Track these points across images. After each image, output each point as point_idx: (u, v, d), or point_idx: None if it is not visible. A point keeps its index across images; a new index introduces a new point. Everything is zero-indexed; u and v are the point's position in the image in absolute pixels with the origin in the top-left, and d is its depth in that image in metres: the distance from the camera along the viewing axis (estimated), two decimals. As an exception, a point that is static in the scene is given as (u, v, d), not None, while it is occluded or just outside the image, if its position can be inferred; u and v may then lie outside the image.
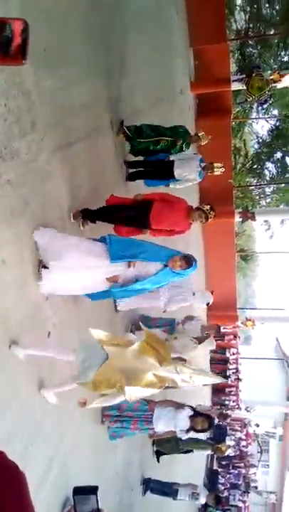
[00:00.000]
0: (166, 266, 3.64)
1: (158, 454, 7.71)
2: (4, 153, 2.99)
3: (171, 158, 6.01)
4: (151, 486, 7.22)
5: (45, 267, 3.34)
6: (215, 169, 6.18)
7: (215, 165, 6.19)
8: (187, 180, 6.12)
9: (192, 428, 4.93)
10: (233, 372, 18.21)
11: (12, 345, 3.02)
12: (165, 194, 5.03)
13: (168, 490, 7.47)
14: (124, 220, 4.67)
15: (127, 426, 5.01)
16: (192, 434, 5.21)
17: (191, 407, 5.10)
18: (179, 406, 5.09)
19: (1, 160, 2.95)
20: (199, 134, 6.22)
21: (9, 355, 3.04)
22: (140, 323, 3.99)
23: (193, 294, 5.65)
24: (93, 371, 3.07)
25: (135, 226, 4.78)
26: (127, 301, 5.30)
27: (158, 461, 7.67)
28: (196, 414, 4.99)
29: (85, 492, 1.07)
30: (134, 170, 6.24)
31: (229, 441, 16.07)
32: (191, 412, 4.98)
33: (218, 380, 3.85)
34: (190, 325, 6.10)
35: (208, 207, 4.71)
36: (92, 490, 1.07)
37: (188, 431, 4.98)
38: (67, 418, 4.14)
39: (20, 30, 0.84)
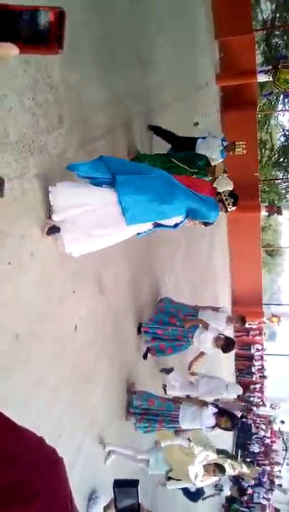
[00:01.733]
0: (186, 218, 3.50)
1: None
2: (32, 147, 3.00)
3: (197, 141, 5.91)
4: None
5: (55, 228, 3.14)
6: (236, 148, 6.01)
7: (236, 143, 6.01)
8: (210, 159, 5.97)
9: (217, 425, 4.91)
10: (258, 369, 18.05)
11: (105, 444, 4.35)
12: (186, 177, 4.81)
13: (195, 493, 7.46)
14: None
15: (153, 425, 5.02)
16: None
17: (215, 405, 5.06)
18: (203, 404, 5.08)
19: (29, 154, 2.96)
20: (218, 174, 5.36)
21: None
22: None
23: (227, 388, 6.05)
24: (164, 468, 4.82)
25: None
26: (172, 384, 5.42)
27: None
28: (221, 412, 4.96)
29: (125, 485, 1.05)
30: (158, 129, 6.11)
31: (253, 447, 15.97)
32: (215, 410, 4.94)
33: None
34: (215, 317, 6.00)
35: (230, 200, 4.46)
36: (134, 483, 1.05)
37: (213, 428, 4.96)
38: (90, 415, 4.16)
39: (56, 18, 0.82)
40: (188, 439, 5.09)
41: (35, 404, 3.08)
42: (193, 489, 7.32)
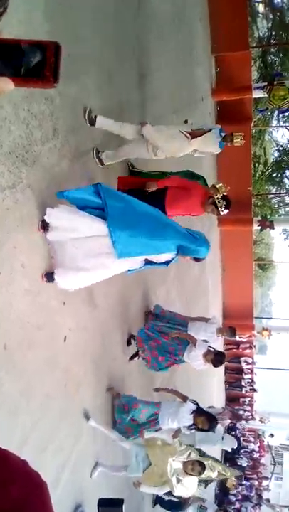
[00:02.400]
0: (176, 255, 3.54)
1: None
2: (26, 157, 3.01)
3: (189, 122, 5.81)
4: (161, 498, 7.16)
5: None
6: (235, 140, 5.96)
7: (235, 135, 5.98)
8: (207, 151, 5.85)
9: (194, 425, 4.79)
10: (247, 383, 18.01)
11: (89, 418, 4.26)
12: (180, 179, 4.83)
13: (177, 503, 7.37)
14: None
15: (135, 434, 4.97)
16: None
17: (195, 402, 4.91)
18: (184, 399, 4.97)
19: (22, 164, 2.97)
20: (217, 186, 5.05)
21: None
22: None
23: (222, 439, 6.40)
24: (142, 469, 4.54)
25: None
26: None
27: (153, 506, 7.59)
28: (199, 411, 4.81)
29: (110, 505, 1.06)
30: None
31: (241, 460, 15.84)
32: (194, 407, 4.81)
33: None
34: (204, 328, 5.98)
35: (223, 202, 4.43)
36: (118, 503, 1.05)
37: (190, 427, 4.84)
38: (77, 425, 4.13)
39: (52, 53, 0.84)
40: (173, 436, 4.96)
41: (23, 415, 3.06)
42: (172, 497, 7.26)
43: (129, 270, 3.51)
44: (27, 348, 3.09)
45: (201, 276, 11.65)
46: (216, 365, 5.56)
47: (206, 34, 12.01)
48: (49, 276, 3.26)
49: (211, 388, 14.10)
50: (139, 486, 4.62)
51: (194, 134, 4.74)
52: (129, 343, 5.68)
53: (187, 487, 4.61)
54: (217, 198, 4.44)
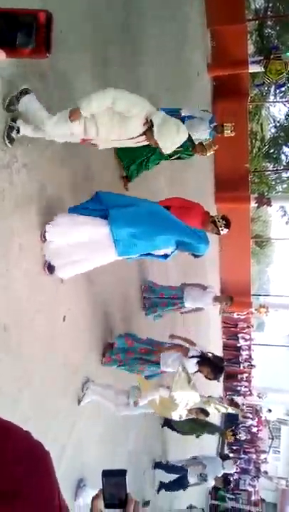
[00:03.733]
0: (175, 249, 3.57)
1: (166, 425, 7.73)
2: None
3: (182, 114, 5.79)
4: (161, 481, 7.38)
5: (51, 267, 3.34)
6: (225, 130, 5.96)
7: (225, 125, 5.95)
8: (198, 140, 5.83)
9: (199, 371, 4.74)
10: (245, 359, 18.23)
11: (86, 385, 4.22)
12: (181, 199, 4.99)
13: (178, 472, 7.54)
14: None
15: (134, 366, 4.91)
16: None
17: (198, 356, 4.76)
18: (186, 353, 4.83)
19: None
20: (205, 144, 5.31)
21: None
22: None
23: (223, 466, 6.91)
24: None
25: None
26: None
27: (162, 427, 7.68)
28: (204, 360, 4.71)
29: (113, 475, 1.07)
30: None
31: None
32: (196, 360, 4.71)
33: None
34: (201, 295, 5.96)
35: (222, 222, 4.66)
36: (122, 473, 1.07)
37: (194, 373, 4.81)
38: (77, 406, 4.18)
39: (44, 22, 0.80)
40: (168, 387, 4.92)
41: (23, 395, 3.09)
42: (171, 479, 7.46)
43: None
44: (27, 328, 3.10)
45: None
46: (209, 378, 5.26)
47: (202, 7, 11.72)
48: (50, 268, 3.33)
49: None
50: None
51: None
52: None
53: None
54: (217, 218, 4.68)
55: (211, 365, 4.72)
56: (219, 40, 12.77)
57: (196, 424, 7.43)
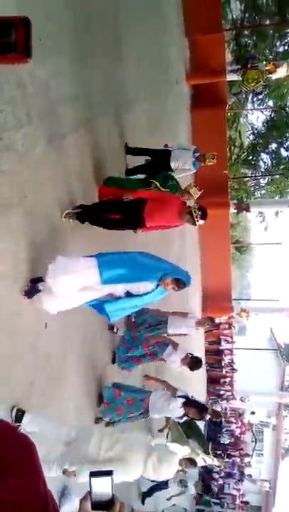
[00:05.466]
0: (158, 285, 3.63)
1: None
2: (0, 144, 2.98)
3: (169, 146, 6.18)
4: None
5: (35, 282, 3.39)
6: (207, 159, 6.23)
7: (207, 155, 6.24)
8: (183, 170, 6.22)
9: (185, 415, 4.98)
10: (227, 363, 18.37)
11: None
12: (155, 192, 5.07)
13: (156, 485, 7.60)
14: (116, 225, 4.73)
15: (125, 415, 5.06)
16: None
17: (184, 396, 5.06)
18: (173, 393, 5.09)
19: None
20: (190, 191, 5.39)
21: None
22: None
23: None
24: None
25: (128, 228, 4.83)
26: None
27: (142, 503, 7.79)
28: (189, 402, 4.98)
29: (101, 474, 1.11)
30: (132, 167, 6.34)
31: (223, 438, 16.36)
32: (184, 400, 4.97)
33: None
34: (185, 322, 6.10)
35: (198, 212, 4.62)
36: (108, 474, 1.11)
37: (182, 417, 5.03)
38: (61, 411, 4.17)
39: (22, 29, 0.84)
40: (167, 435, 5.10)
41: (6, 400, 3.08)
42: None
43: (106, 302, 3.67)
44: (7, 334, 3.09)
45: (179, 260, 11.75)
46: (192, 369, 5.79)
47: (180, 16, 11.90)
48: (31, 291, 3.38)
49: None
50: None
51: None
52: (111, 329, 5.80)
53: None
54: (193, 208, 4.62)
55: (196, 406, 4.96)
56: (197, 49, 12.98)
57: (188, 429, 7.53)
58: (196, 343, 15.21)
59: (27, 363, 3.38)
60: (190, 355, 5.73)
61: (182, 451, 4.98)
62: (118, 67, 6.25)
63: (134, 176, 6.07)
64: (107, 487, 1.10)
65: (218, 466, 11.41)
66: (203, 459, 6.22)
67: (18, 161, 3.24)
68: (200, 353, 16.22)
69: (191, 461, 5.04)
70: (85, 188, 4.82)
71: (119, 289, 3.58)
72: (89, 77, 5.04)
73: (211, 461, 6.72)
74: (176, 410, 4.92)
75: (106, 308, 3.60)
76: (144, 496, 7.54)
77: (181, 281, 3.63)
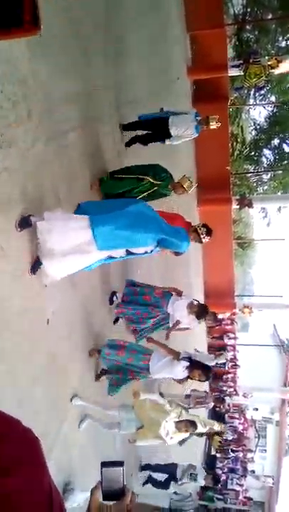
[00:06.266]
0: (156, 247, 3.63)
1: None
2: (1, 140, 2.98)
3: (164, 109, 5.94)
4: (151, 474, 7.39)
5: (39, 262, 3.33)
6: (210, 122, 5.97)
7: (210, 118, 5.96)
8: (184, 136, 5.97)
9: (189, 378, 4.85)
10: (230, 359, 18.36)
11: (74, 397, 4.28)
12: (161, 212, 5.01)
13: (167, 469, 7.60)
14: None
15: (125, 377, 4.98)
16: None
17: (188, 358, 4.90)
18: (176, 356, 4.93)
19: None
20: (184, 185, 5.23)
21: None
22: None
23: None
24: (134, 427, 4.74)
25: None
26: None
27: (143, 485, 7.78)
28: (194, 365, 4.81)
29: (112, 465, 1.12)
30: (130, 138, 6.13)
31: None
32: (188, 363, 4.81)
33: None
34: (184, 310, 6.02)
35: (204, 230, 4.70)
36: (119, 464, 1.12)
37: (185, 379, 4.93)
38: (64, 405, 4.19)
39: (29, 1, 0.80)
40: (161, 393, 5.01)
41: (10, 397, 3.09)
42: (161, 479, 7.49)
43: (110, 258, 3.63)
44: (10, 332, 3.11)
45: (182, 256, 11.74)
46: (199, 317, 5.60)
47: (181, 11, 11.85)
48: (34, 267, 3.34)
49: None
50: (135, 442, 4.82)
51: None
52: (111, 302, 5.73)
53: (178, 439, 4.93)
54: (198, 227, 4.72)
55: (200, 367, 4.83)
56: (199, 44, 12.93)
57: None
58: (198, 337, 15.23)
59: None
60: (196, 302, 5.58)
61: (182, 413, 4.89)
62: (119, 64, 6.23)
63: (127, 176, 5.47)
64: (119, 477, 1.11)
65: (221, 432, 11.35)
66: (204, 423, 6.13)
67: (19, 157, 3.25)
68: (203, 349, 16.23)
69: (191, 423, 4.92)
70: (83, 185, 4.82)
71: (120, 252, 3.58)
72: (90, 75, 5.03)
73: (210, 425, 6.65)
74: (179, 373, 4.81)
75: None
76: (150, 480, 7.46)
77: (179, 253, 3.87)
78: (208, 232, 4.71)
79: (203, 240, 4.72)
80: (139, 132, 6.14)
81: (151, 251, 3.65)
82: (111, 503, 1.09)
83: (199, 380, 4.87)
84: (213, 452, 16.80)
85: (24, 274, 3.31)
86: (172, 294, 5.71)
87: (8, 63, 3.09)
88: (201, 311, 5.54)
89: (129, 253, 3.62)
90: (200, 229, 4.69)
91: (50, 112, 3.85)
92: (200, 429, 5.79)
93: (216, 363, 16.01)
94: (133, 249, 3.56)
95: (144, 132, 6.14)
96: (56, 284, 3.88)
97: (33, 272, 3.36)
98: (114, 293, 5.76)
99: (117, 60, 6.16)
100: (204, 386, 15.12)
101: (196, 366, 4.79)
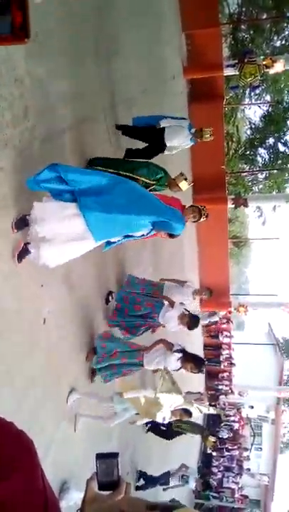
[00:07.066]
0: (152, 229, 3.59)
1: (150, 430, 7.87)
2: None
3: (161, 125, 5.87)
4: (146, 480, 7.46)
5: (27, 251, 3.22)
6: (204, 134, 6.02)
7: (204, 130, 6.01)
8: (180, 147, 6.05)
9: (182, 368, 4.85)
10: (226, 358, 18.44)
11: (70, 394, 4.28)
12: (159, 195, 5.02)
13: (161, 479, 7.68)
14: None
15: (118, 369, 4.97)
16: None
17: (181, 350, 4.89)
18: (169, 348, 4.91)
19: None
20: (179, 183, 5.15)
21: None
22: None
23: None
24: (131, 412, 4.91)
25: None
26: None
27: (146, 432, 7.83)
28: (186, 357, 4.82)
29: (107, 457, 1.14)
30: (132, 150, 6.06)
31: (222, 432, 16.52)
32: (181, 355, 4.82)
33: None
34: (180, 291, 6.02)
35: (201, 207, 4.79)
36: (114, 455, 1.14)
37: (178, 370, 4.93)
38: (61, 405, 4.20)
39: (18, 7, 0.82)
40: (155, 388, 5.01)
41: (7, 397, 3.10)
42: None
43: (108, 243, 3.56)
44: (7, 332, 3.11)
45: (177, 254, 11.77)
46: (191, 328, 5.57)
47: (176, 10, 11.85)
48: (20, 256, 3.22)
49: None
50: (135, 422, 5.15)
51: None
52: (107, 302, 5.72)
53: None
54: (200, 206, 4.84)
55: (193, 360, 4.84)
56: (194, 43, 12.93)
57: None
58: (193, 336, 15.27)
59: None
60: (187, 313, 5.53)
61: (175, 400, 4.88)
62: (115, 63, 6.23)
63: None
64: (114, 468, 1.12)
65: (218, 415, 11.48)
66: (198, 409, 6.12)
67: (16, 157, 3.25)
68: (198, 347, 16.28)
69: (185, 412, 4.95)
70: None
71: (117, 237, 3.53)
72: (85, 75, 5.03)
73: (206, 410, 6.64)
74: (172, 363, 4.81)
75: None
76: (142, 476, 7.54)
77: (174, 236, 3.89)
78: (205, 210, 4.77)
79: (202, 218, 4.75)
80: (140, 145, 6.14)
81: (147, 233, 3.60)
82: (106, 493, 1.11)
83: (192, 372, 4.86)
84: (209, 451, 16.85)
85: (21, 273, 3.31)
86: (163, 303, 5.66)
87: (4, 63, 3.09)
88: (192, 323, 5.50)
89: (126, 236, 3.56)
90: (196, 208, 4.78)
91: (47, 111, 3.85)
92: (196, 414, 5.80)
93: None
94: (130, 232, 3.50)
95: (144, 145, 6.14)
96: (52, 284, 3.89)
97: (19, 260, 3.22)
98: (110, 293, 5.76)
99: (112, 60, 6.15)
100: (200, 387, 15.19)
101: (188, 358, 4.80)
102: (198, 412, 6.23)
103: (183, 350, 4.86)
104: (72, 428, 4.49)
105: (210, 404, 12.29)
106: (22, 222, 3.18)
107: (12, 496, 0.77)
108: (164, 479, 7.70)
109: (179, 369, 4.83)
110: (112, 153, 6.10)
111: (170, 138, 5.85)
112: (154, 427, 7.82)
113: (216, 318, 14.63)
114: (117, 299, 5.79)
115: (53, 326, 3.89)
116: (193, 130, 5.98)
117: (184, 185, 5.09)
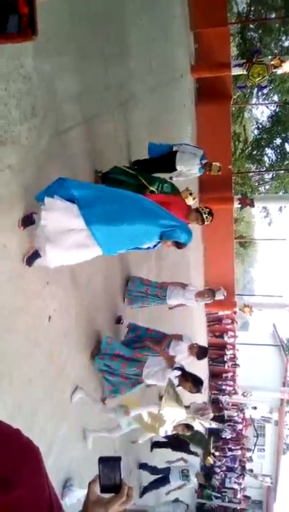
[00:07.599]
0: (159, 242, 3.58)
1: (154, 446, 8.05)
2: (5, 137, 2.98)
3: (174, 149, 6.02)
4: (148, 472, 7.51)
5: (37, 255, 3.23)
6: (213, 169, 6.23)
7: (213, 164, 6.21)
8: (187, 174, 6.22)
9: (180, 386, 4.81)
10: (230, 358, 18.41)
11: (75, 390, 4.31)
12: (162, 196, 5.01)
13: (162, 472, 7.71)
14: None
15: (118, 384, 4.97)
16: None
17: (180, 369, 4.85)
18: (170, 364, 4.87)
19: (1, 144, 2.94)
20: (185, 199, 5.35)
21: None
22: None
23: None
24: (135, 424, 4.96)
25: None
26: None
27: (151, 451, 7.93)
28: (185, 375, 4.77)
29: (109, 461, 1.14)
30: (141, 160, 6.17)
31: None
32: (180, 373, 4.77)
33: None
34: (182, 294, 6.06)
35: (206, 210, 4.78)
36: (117, 459, 1.14)
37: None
38: (63, 404, 4.20)
39: (25, 4, 0.81)
40: (160, 399, 5.00)
41: (9, 395, 3.10)
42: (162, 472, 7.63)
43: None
44: (12, 330, 3.11)
45: (182, 254, 11.76)
46: (199, 358, 5.69)
47: (185, 9, 11.82)
48: (30, 260, 3.25)
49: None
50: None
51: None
52: (118, 322, 5.83)
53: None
54: (200, 207, 4.78)
55: (192, 380, 4.78)
56: (202, 42, 12.92)
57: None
58: (199, 336, 15.24)
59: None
60: (196, 345, 5.67)
61: (178, 416, 4.87)
62: (123, 62, 6.23)
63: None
64: (116, 471, 1.13)
65: (220, 429, 11.51)
66: (200, 423, 6.12)
67: (23, 154, 3.24)
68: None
69: (187, 427, 4.94)
70: (86, 181, 4.81)
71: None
72: (93, 72, 5.02)
73: (208, 424, 6.63)
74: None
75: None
76: (145, 490, 7.60)
77: (182, 245, 3.81)
78: (210, 212, 4.78)
79: (206, 220, 4.74)
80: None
81: (154, 246, 3.59)
82: (108, 495, 1.11)
83: (190, 392, 4.85)
84: (211, 451, 16.84)
85: (26, 272, 3.30)
86: (171, 341, 5.69)
87: (12, 60, 3.09)
88: (200, 353, 5.63)
89: (134, 248, 3.57)
90: (202, 209, 4.76)
91: (54, 108, 3.84)
92: (197, 427, 5.80)
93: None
94: (139, 244, 3.48)
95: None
96: (58, 283, 3.89)
97: (29, 264, 3.23)
98: (120, 318, 5.87)
99: (121, 58, 6.15)
100: (204, 397, 15.17)
101: (187, 378, 4.77)
102: (200, 426, 6.26)
103: (182, 369, 4.85)
104: (75, 428, 4.49)
105: (214, 416, 12.31)
106: (28, 220, 3.18)
107: (20, 503, 0.77)
108: (164, 473, 7.71)
109: (176, 386, 4.84)
110: (119, 149, 6.11)
111: (181, 163, 6.00)
112: (156, 442, 8.09)
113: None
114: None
115: (57, 326, 3.89)
116: (204, 161, 6.12)
117: (190, 200, 5.21)
